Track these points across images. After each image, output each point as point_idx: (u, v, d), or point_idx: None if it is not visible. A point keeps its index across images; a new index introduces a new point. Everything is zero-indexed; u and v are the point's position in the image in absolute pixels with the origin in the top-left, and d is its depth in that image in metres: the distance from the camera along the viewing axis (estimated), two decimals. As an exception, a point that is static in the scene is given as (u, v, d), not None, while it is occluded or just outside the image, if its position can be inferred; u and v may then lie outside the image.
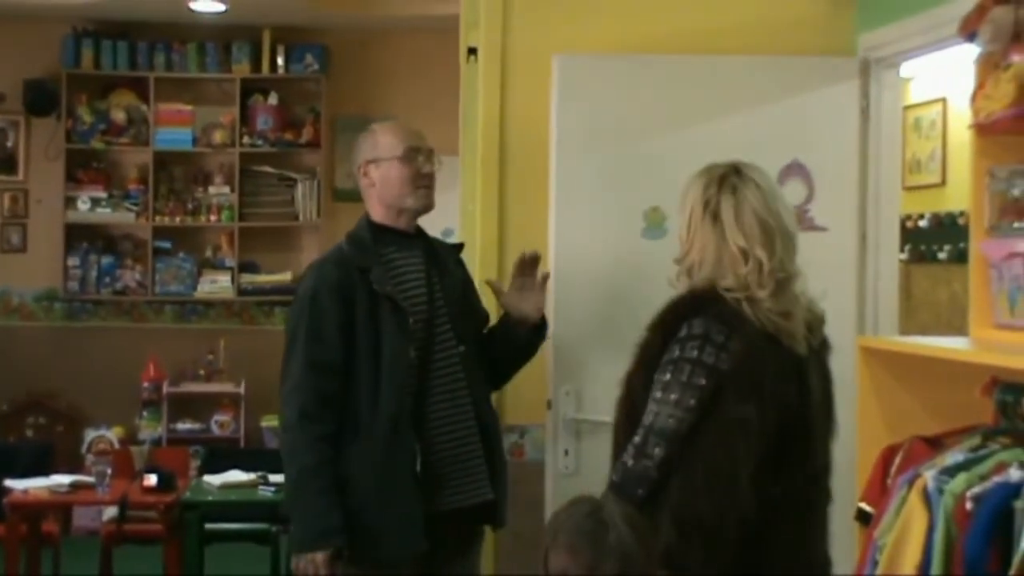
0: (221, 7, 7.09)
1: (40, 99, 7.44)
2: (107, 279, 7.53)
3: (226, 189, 7.58)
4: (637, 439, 2.58)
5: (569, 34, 3.80)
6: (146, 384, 7.31)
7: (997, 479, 2.28)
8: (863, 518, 2.68)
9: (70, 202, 7.45)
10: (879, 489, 2.64)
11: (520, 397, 3.49)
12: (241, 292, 7.56)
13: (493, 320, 3.41)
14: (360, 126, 7.70)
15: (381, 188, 3.21)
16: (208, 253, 7.66)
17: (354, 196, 7.90)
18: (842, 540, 2.81)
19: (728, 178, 2.67)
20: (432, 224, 3.34)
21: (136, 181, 7.55)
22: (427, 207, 3.24)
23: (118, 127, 7.50)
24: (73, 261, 7.48)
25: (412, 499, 3.08)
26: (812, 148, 3.73)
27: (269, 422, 7.29)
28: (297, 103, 7.68)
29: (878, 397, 2.79)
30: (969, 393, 2.59)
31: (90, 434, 7.26)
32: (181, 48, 7.53)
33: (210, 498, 5.16)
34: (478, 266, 3.74)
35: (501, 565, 3.64)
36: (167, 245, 7.58)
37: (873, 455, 2.72)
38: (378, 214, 3.24)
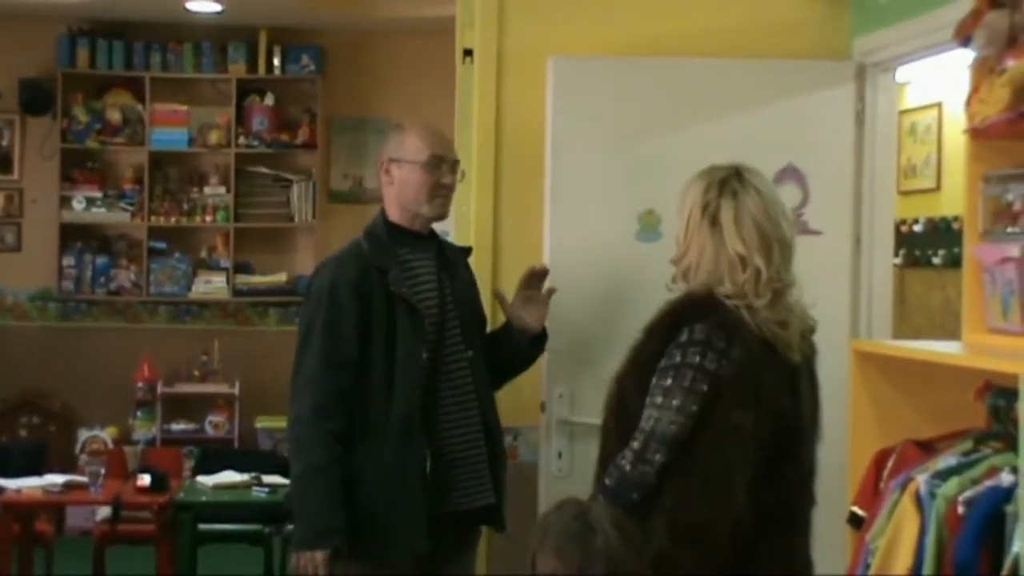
0: (217, 7, 7.09)
1: (36, 98, 7.43)
2: (102, 279, 7.52)
3: (221, 190, 7.58)
4: (636, 444, 2.57)
5: (565, 36, 3.80)
6: (140, 384, 7.31)
7: (989, 483, 2.28)
8: (855, 522, 2.68)
9: (65, 202, 7.45)
10: (871, 493, 2.64)
11: (514, 399, 3.49)
12: (236, 293, 7.56)
13: (492, 326, 3.42)
14: (356, 127, 7.87)
15: (399, 189, 3.21)
16: (203, 254, 7.65)
17: (349, 198, 8.03)
18: (834, 544, 2.81)
19: (729, 182, 2.66)
20: (427, 226, 3.34)
21: (131, 181, 7.55)
22: (441, 216, 3.26)
23: (113, 127, 7.50)
24: (68, 261, 7.47)
25: (419, 500, 3.09)
26: (807, 152, 3.73)
27: (263, 423, 7.30)
28: (293, 104, 7.67)
29: (871, 401, 2.79)
30: (962, 397, 2.59)
31: (84, 434, 7.25)
32: (177, 48, 7.53)
33: (203, 499, 5.16)
34: (473, 268, 3.73)
35: (493, 566, 3.63)
36: (162, 245, 7.57)
37: (866, 459, 2.72)
38: (394, 213, 3.24)
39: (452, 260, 3.31)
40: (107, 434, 7.26)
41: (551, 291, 3.37)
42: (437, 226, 3.35)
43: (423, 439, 3.10)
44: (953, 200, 5.05)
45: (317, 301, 3.15)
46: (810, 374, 2.70)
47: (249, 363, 7.42)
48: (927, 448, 2.60)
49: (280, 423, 6.93)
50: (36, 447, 6.35)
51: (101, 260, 7.53)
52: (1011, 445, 2.38)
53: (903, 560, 2.34)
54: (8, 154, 7.56)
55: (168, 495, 5.17)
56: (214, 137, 7.54)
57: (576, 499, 2.39)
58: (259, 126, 7.53)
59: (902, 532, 2.37)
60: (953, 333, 3.51)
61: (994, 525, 2.21)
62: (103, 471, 5.33)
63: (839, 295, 3.71)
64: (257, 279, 7.61)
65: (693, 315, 2.58)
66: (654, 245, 3.54)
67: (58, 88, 7.42)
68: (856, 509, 2.70)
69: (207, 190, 7.59)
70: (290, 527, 3.65)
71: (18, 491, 5.19)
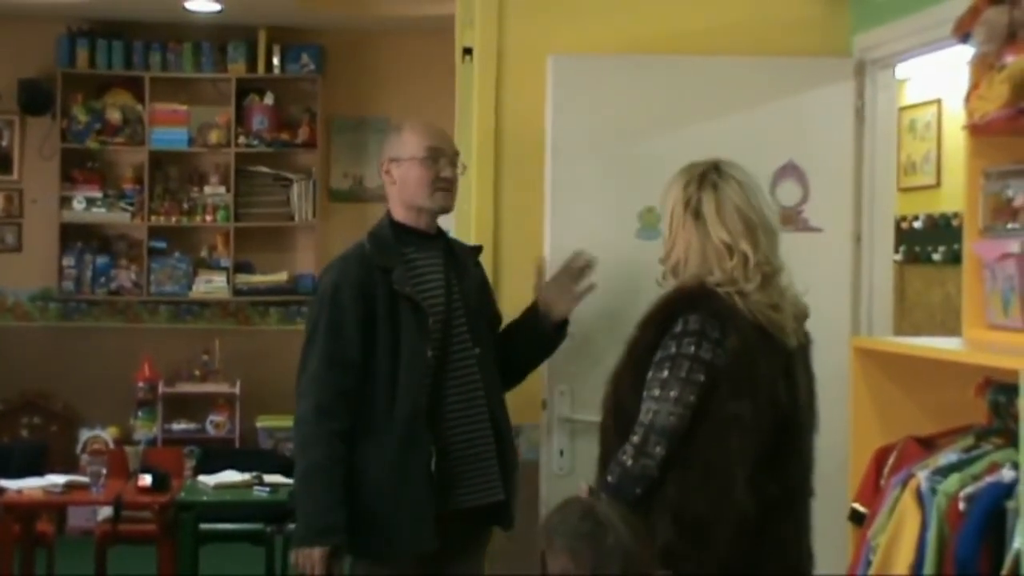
0: (216, 7, 7.09)
1: (35, 98, 7.42)
2: (102, 279, 7.52)
3: (222, 189, 7.58)
4: (636, 438, 2.57)
5: (564, 34, 3.80)
6: (141, 384, 7.31)
7: (990, 479, 2.29)
8: (856, 518, 2.68)
9: (65, 202, 7.44)
10: (872, 489, 2.65)
11: (515, 397, 3.49)
12: (236, 292, 7.55)
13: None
14: (356, 126, 7.88)
15: (401, 187, 3.23)
16: (203, 253, 7.65)
17: (350, 197, 8.03)
18: (835, 540, 2.81)
19: (708, 175, 2.69)
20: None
21: (131, 181, 7.54)
22: (444, 209, 3.26)
23: (113, 127, 7.50)
24: (68, 261, 7.47)
25: (425, 498, 3.10)
26: (807, 149, 3.74)
27: (264, 422, 7.30)
28: (293, 103, 7.67)
29: (872, 397, 2.80)
30: (962, 393, 2.59)
31: (85, 434, 7.26)
32: (176, 48, 7.52)
33: (205, 498, 5.16)
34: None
35: (495, 564, 3.63)
36: (162, 245, 7.57)
37: (866, 455, 2.72)
38: (399, 213, 3.25)
39: (461, 258, 3.32)
40: (108, 434, 7.26)
41: (591, 287, 3.36)
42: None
43: (428, 437, 3.11)
44: (953, 196, 5.05)
45: (321, 302, 3.17)
46: (805, 362, 2.71)
47: (250, 362, 7.42)
48: (928, 445, 2.60)
49: (281, 422, 7.01)
50: (37, 447, 6.35)
51: (101, 260, 7.53)
52: (1012, 441, 2.38)
53: (904, 557, 2.35)
54: (8, 154, 7.56)
55: (169, 495, 5.17)
56: (214, 137, 7.54)
57: (579, 498, 2.39)
58: (259, 125, 7.53)
59: (903, 529, 2.37)
60: (953, 330, 3.51)
61: (995, 521, 2.22)
62: (104, 471, 5.33)
63: (839, 292, 3.72)
64: (258, 278, 7.61)
65: (686, 306, 2.60)
66: (654, 243, 3.51)
67: (58, 88, 7.42)
68: (857, 506, 2.70)
69: (207, 190, 7.59)
70: (291, 526, 3.67)
71: (19, 491, 5.19)
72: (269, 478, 5.24)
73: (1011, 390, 2.45)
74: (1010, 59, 2.58)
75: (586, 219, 3.68)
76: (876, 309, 3.81)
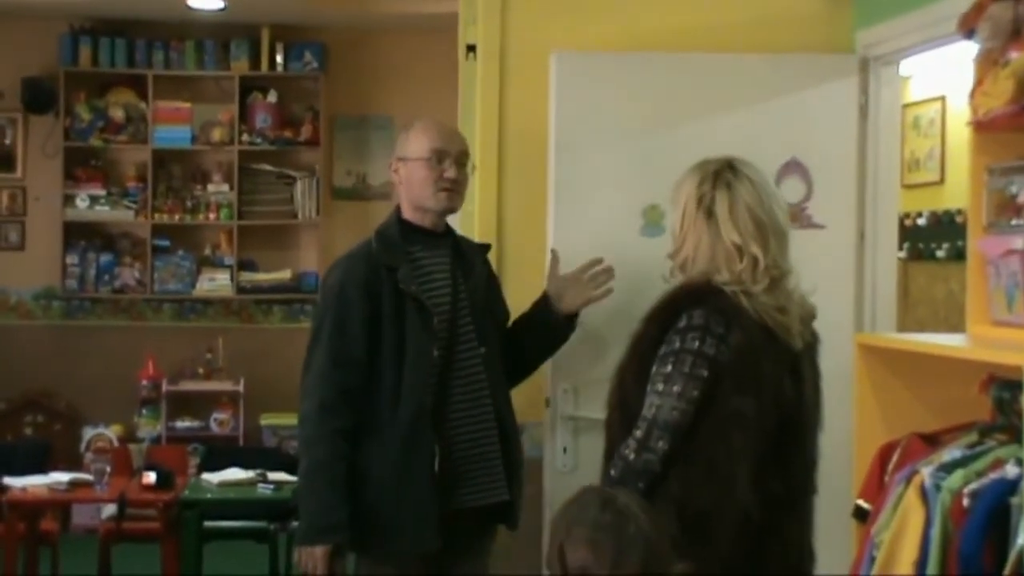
0: (219, 4, 7.09)
1: (38, 97, 7.43)
2: (105, 277, 7.52)
3: (225, 187, 7.58)
4: (639, 433, 2.57)
5: (567, 32, 3.80)
6: (145, 382, 7.31)
7: (994, 475, 2.28)
8: (860, 515, 2.68)
9: (68, 200, 7.44)
10: (876, 486, 2.65)
11: (519, 394, 3.48)
12: (240, 290, 7.56)
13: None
14: (359, 124, 7.88)
15: (407, 187, 3.23)
16: (207, 251, 7.65)
17: (353, 194, 8.03)
18: (839, 537, 2.81)
19: (722, 174, 2.68)
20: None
21: (134, 179, 7.55)
22: (449, 210, 3.26)
23: (116, 125, 7.50)
24: (71, 259, 7.47)
25: (428, 497, 3.09)
26: (810, 146, 3.73)
27: (268, 420, 7.31)
28: (296, 101, 7.67)
29: (875, 394, 2.80)
30: (966, 390, 2.59)
31: (89, 432, 7.26)
32: (179, 46, 7.52)
33: (209, 496, 5.16)
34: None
35: (499, 561, 3.63)
36: (166, 243, 7.57)
37: (870, 452, 2.72)
38: (407, 211, 3.26)
39: (468, 257, 3.31)
40: (112, 432, 7.26)
41: (607, 291, 3.36)
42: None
43: (432, 436, 3.10)
44: (957, 193, 5.05)
45: (326, 300, 3.18)
46: (812, 361, 2.70)
47: (253, 360, 7.42)
48: (932, 441, 2.60)
49: (285, 420, 7.01)
50: (41, 445, 6.35)
51: (105, 258, 7.53)
52: (1016, 437, 2.38)
53: (908, 553, 2.35)
54: (11, 153, 7.56)
55: (173, 493, 5.18)
56: (217, 134, 7.54)
57: (595, 488, 2.37)
58: (262, 123, 7.53)
59: (907, 525, 2.37)
60: (957, 327, 3.51)
61: (999, 517, 2.22)
62: (108, 469, 5.34)
63: (843, 289, 3.71)
64: (261, 276, 7.61)
65: (691, 302, 2.59)
66: (658, 240, 3.54)
67: (61, 86, 7.42)
68: (861, 502, 2.70)
69: (210, 187, 7.59)
70: (295, 524, 3.67)
71: (23, 490, 5.19)
72: (273, 476, 5.24)
73: (1015, 386, 2.45)
74: (1015, 55, 2.57)
75: (590, 216, 3.67)
76: (880, 306, 3.81)
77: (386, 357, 3.10)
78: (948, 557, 2.27)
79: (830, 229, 3.73)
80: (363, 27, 7.57)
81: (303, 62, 7.57)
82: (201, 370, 7.51)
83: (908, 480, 2.43)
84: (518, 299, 3.48)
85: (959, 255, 4.82)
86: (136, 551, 5.62)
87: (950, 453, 2.44)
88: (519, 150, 3.82)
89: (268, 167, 7.61)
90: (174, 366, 7.47)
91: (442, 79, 5.54)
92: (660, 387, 2.56)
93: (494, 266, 3.69)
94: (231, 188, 7.55)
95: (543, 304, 3.36)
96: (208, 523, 5.20)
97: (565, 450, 3.62)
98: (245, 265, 7.60)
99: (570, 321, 3.37)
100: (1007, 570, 2.16)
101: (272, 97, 7.56)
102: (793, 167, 3.72)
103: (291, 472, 4.94)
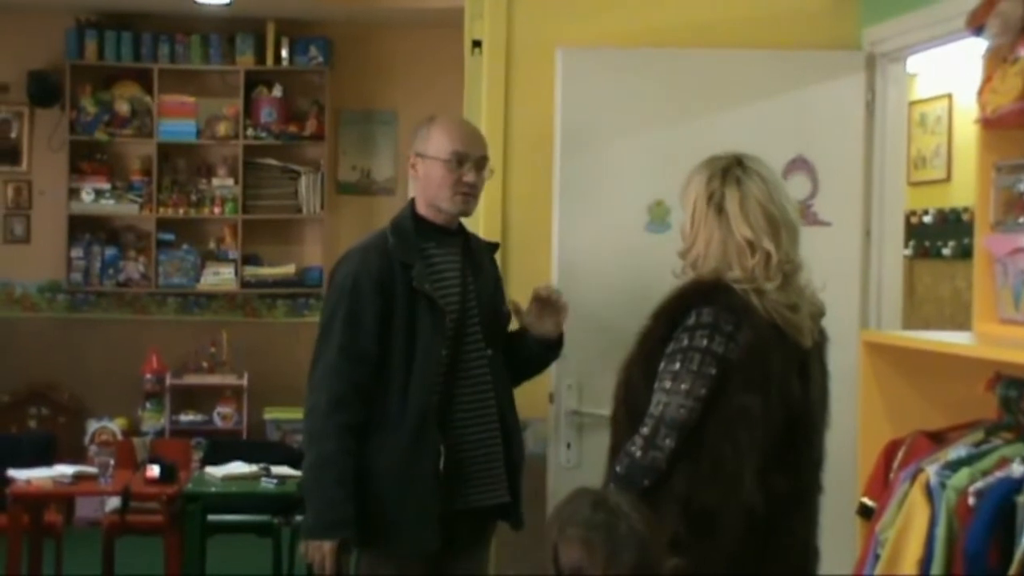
0: (225, -1, 7.09)
1: (44, 90, 7.43)
2: (110, 271, 7.53)
3: (229, 181, 7.57)
4: (646, 430, 2.57)
5: (573, 27, 3.79)
6: (149, 376, 7.31)
7: (999, 474, 2.28)
8: (865, 512, 2.68)
9: (73, 193, 7.45)
10: (881, 484, 2.64)
11: (522, 391, 3.48)
12: (244, 284, 7.56)
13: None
14: (364, 119, 7.87)
15: (424, 184, 3.20)
16: (211, 245, 7.65)
17: (357, 189, 8.03)
18: (843, 534, 2.81)
19: (732, 170, 2.66)
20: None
21: (139, 173, 7.55)
22: (463, 213, 3.22)
23: (122, 119, 7.50)
24: (76, 252, 7.47)
25: (431, 497, 3.07)
26: (817, 143, 3.73)
27: (271, 414, 7.31)
28: (301, 95, 7.67)
29: (881, 392, 2.79)
30: (972, 388, 2.59)
31: (93, 425, 7.27)
32: (185, 40, 7.52)
33: (212, 490, 5.16)
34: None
35: (503, 558, 3.63)
36: (170, 237, 7.57)
37: (876, 450, 2.72)
38: (421, 207, 3.22)
39: (478, 256, 3.28)
40: (116, 425, 7.28)
41: (565, 307, 3.28)
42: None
43: (438, 436, 3.08)
44: (963, 191, 5.04)
45: (339, 292, 3.12)
46: (820, 360, 2.70)
47: (257, 354, 7.43)
48: (937, 439, 2.59)
49: (288, 414, 7.02)
50: (45, 438, 6.35)
51: (109, 252, 7.54)
52: (1022, 436, 2.38)
53: (913, 551, 2.34)
54: (17, 146, 7.56)
55: (177, 486, 5.18)
56: (222, 129, 7.53)
57: (587, 488, 2.38)
58: (267, 118, 7.53)
59: (912, 523, 2.37)
60: (963, 325, 3.51)
61: (1005, 516, 2.21)
62: (112, 462, 5.34)
63: (849, 286, 3.71)
64: (265, 271, 7.61)
65: (700, 299, 2.58)
66: (663, 236, 3.54)
67: (66, 80, 7.42)
68: (866, 500, 2.70)
69: (215, 182, 7.59)
70: (299, 518, 3.66)
71: (28, 482, 5.20)
72: (276, 470, 5.24)
73: (1021, 385, 2.45)
74: None
75: (595, 212, 3.67)
76: (885, 303, 3.80)
77: (395, 354, 3.07)
78: (953, 556, 2.26)
79: (836, 226, 3.73)
80: (368, 22, 7.56)
81: (308, 57, 7.56)
82: (205, 364, 7.52)
83: (913, 478, 2.42)
84: (522, 293, 3.47)
85: (965, 253, 4.82)
86: (140, 544, 5.63)
87: (956, 451, 2.43)
88: (524, 145, 3.82)
89: (273, 161, 7.61)
90: (178, 360, 7.48)
91: (448, 74, 5.53)
92: (668, 385, 2.56)
93: (499, 263, 3.69)
94: (236, 182, 7.55)
95: (523, 339, 3.28)
96: (211, 517, 5.20)
97: (569, 446, 3.62)
98: (249, 259, 7.60)
99: (554, 348, 3.31)
100: (1012, 569, 2.15)
101: (277, 91, 7.56)
102: (799, 164, 3.71)
103: (295, 466, 4.95)
